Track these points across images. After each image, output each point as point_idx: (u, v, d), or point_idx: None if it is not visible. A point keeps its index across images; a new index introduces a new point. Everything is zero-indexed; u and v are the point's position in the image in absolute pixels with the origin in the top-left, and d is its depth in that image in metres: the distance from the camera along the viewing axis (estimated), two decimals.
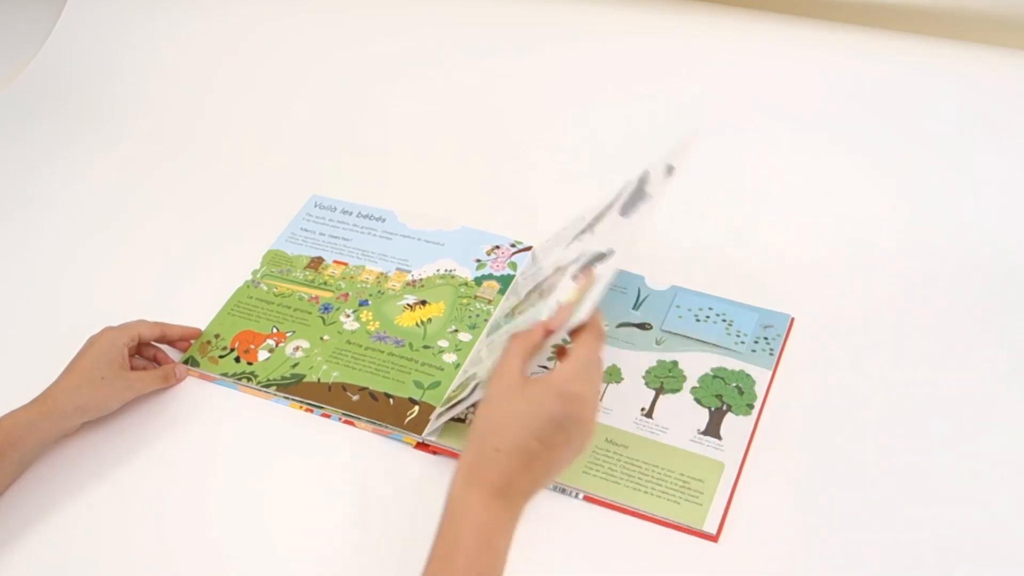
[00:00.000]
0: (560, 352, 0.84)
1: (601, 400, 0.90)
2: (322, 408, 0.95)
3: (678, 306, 0.98)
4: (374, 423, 0.92)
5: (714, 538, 0.82)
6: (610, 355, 0.95)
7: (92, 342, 0.93)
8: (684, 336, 0.96)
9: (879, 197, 1.06)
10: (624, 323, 0.98)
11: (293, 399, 0.96)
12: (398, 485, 0.89)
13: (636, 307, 0.99)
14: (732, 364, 0.93)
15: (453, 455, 0.89)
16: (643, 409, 0.90)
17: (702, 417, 0.89)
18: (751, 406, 0.90)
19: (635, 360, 0.94)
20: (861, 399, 0.90)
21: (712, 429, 0.88)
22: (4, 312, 1.09)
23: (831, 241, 1.03)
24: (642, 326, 0.97)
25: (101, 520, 0.88)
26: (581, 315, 0.75)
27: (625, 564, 0.82)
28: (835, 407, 0.90)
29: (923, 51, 1.12)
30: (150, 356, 1.00)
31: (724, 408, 0.90)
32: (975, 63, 1.10)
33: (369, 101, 1.27)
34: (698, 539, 0.82)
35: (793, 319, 0.96)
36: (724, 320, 0.97)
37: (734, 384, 0.91)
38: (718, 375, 0.92)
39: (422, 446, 0.91)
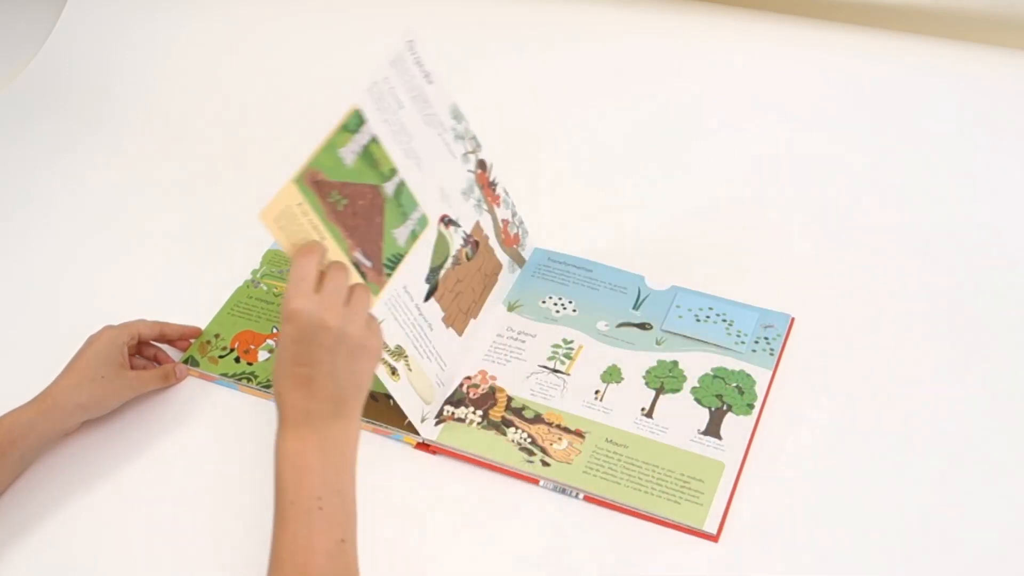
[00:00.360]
0: None
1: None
2: None
3: (678, 306, 0.98)
4: (374, 423, 0.93)
5: (714, 538, 0.82)
6: (610, 355, 0.95)
7: (92, 341, 0.93)
8: (684, 336, 0.96)
9: (879, 197, 1.06)
10: (624, 323, 0.98)
11: None
12: (398, 485, 0.89)
13: (636, 307, 0.99)
14: (732, 364, 0.93)
15: (453, 455, 0.90)
16: (643, 409, 0.91)
17: (702, 417, 0.89)
18: (751, 406, 0.90)
19: (635, 360, 0.94)
20: (861, 399, 0.90)
21: (712, 429, 0.88)
22: (4, 311, 1.09)
23: (831, 241, 1.03)
24: (642, 326, 0.97)
25: (101, 519, 0.88)
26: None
27: (625, 564, 0.82)
28: (835, 407, 0.90)
29: (923, 51, 1.12)
30: (150, 356, 1.00)
31: (724, 408, 0.90)
32: (975, 63, 1.10)
33: None
34: (698, 539, 0.82)
35: (793, 319, 0.96)
36: (724, 320, 0.97)
37: (734, 384, 0.91)
38: (718, 375, 0.92)
39: (422, 446, 0.91)
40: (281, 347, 0.74)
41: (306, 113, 1.28)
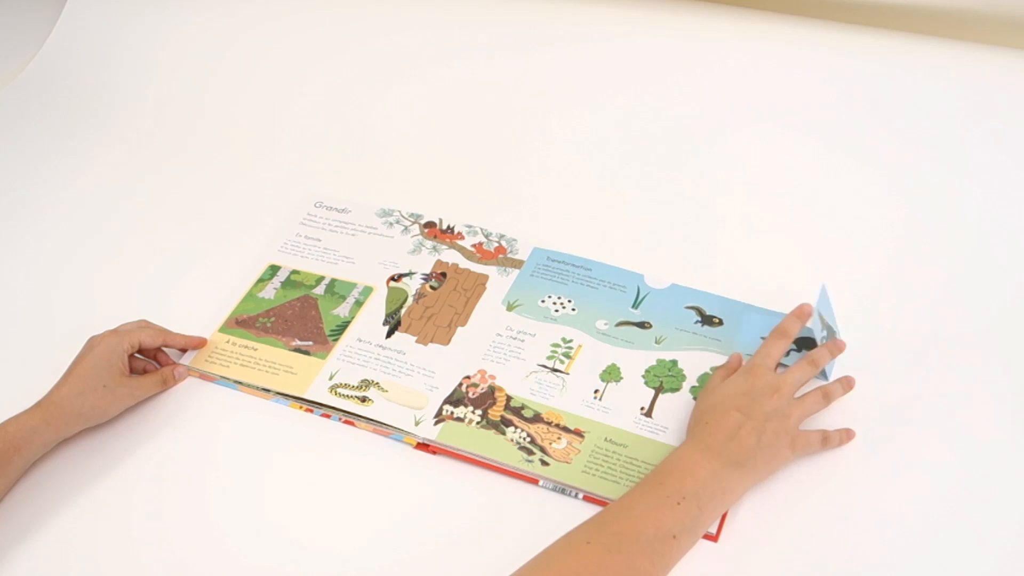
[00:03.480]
0: None
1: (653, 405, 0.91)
2: (322, 408, 0.95)
3: (677, 304, 0.98)
4: (374, 423, 0.93)
5: (714, 538, 0.82)
6: (610, 354, 0.95)
7: (93, 346, 0.93)
8: (684, 334, 0.96)
9: (878, 197, 1.06)
10: (623, 322, 0.98)
11: (293, 399, 0.96)
12: (398, 485, 0.89)
13: (635, 306, 0.99)
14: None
15: (453, 455, 0.90)
16: (642, 408, 0.90)
17: None
18: None
19: (634, 359, 0.94)
20: (860, 398, 0.90)
21: None
22: (2, 312, 1.09)
23: (831, 241, 1.03)
24: (641, 325, 0.97)
25: (101, 520, 0.88)
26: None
27: None
28: (834, 406, 0.90)
29: (923, 51, 1.12)
30: (151, 356, 1.00)
31: None
32: (975, 63, 1.10)
33: (369, 101, 1.27)
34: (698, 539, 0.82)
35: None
36: (724, 319, 0.97)
37: None
38: None
39: (422, 446, 0.91)
40: (730, 386, 0.86)
41: (305, 113, 1.28)
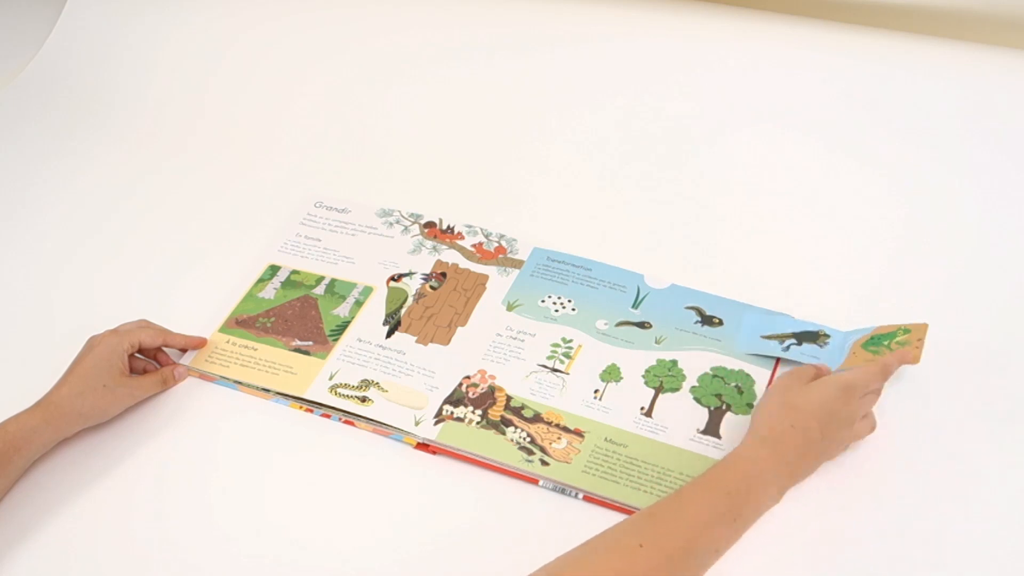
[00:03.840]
0: None
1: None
2: (322, 408, 0.95)
3: (677, 304, 0.98)
4: (374, 423, 0.93)
5: None
6: (610, 354, 0.95)
7: (93, 346, 0.93)
8: (683, 334, 0.96)
9: (878, 197, 1.06)
10: (623, 322, 0.98)
11: (293, 399, 0.96)
12: (398, 485, 0.89)
13: (635, 306, 0.99)
14: (731, 364, 0.93)
15: (453, 455, 0.90)
16: (642, 408, 0.90)
17: (701, 416, 0.89)
18: (751, 405, 0.89)
19: (634, 359, 0.94)
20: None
21: (712, 428, 0.88)
22: (2, 312, 1.09)
23: (830, 240, 1.03)
24: (641, 325, 0.97)
25: (101, 520, 0.88)
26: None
27: None
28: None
29: (923, 51, 1.12)
30: (151, 355, 1.00)
31: (723, 408, 0.90)
32: (975, 63, 1.10)
33: (369, 101, 1.27)
34: None
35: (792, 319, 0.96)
36: (724, 320, 0.97)
37: (733, 384, 0.91)
38: (717, 374, 0.92)
39: (422, 446, 0.91)
40: (827, 393, 0.82)
41: (306, 113, 1.28)
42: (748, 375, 0.92)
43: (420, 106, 1.25)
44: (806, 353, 0.91)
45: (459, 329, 0.99)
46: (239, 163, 1.23)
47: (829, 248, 1.03)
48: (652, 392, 0.92)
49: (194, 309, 1.05)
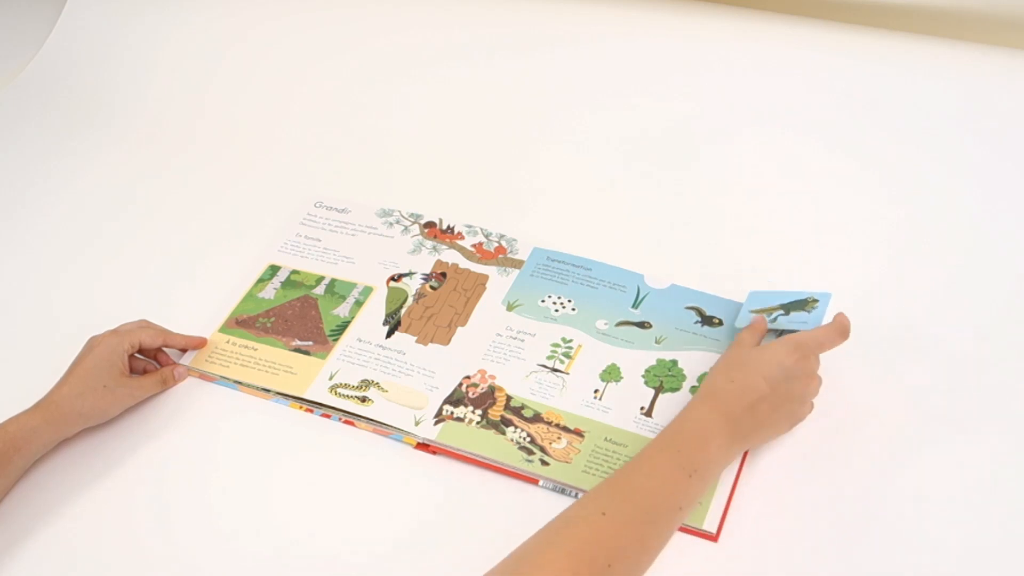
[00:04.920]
0: None
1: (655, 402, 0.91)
2: (322, 408, 0.95)
3: (677, 304, 0.98)
4: (374, 423, 0.93)
5: (714, 538, 0.82)
6: (610, 354, 0.95)
7: (93, 346, 0.93)
8: (683, 334, 0.96)
9: (878, 196, 1.06)
10: (623, 321, 0.98)
11: (293, 399, 0.96)
12: (398, 485, 0.89)
13: (635, 305, 0.99)
14: None
15: (453, 455, 0.90)
16: (642, 408, 0.90)
17: None
18: None
19: (634, 358, 0.94)
20: (860, 398, 0.90)
21: None
22: (2, 312, 1.09)
23: (830, 240, 1.03)
24: (641, 324, 0.97)
25: (101, 521, 0.88)
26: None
27: None
28: (834, 408, 0.90)
29: (923, 51, 1.12)
30: (151, 356, 1.00)
31: None
32: (975, 63, 1.10)
33: (369, 101, 1.27)
34: (698, 539, 0.82)
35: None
36: (723, 320, 0.97)
37: None
38: None
39: (422, 446, 0.91)
40: (773, 352, 0.84)
41: (306, 113, 1.28)
42: None
43: (420, 106, 1.25)
44: (794, 320, 0.91)
45: (459, 329, 0.99)
46: (239, 163, 1.23)
47: (829, 248, 1.03)
48: (652, 392, 0.92)
49: (194, 309, 1.05)
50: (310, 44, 1.33)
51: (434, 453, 0.90)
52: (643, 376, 0.93)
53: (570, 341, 0.97)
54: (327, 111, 1.27)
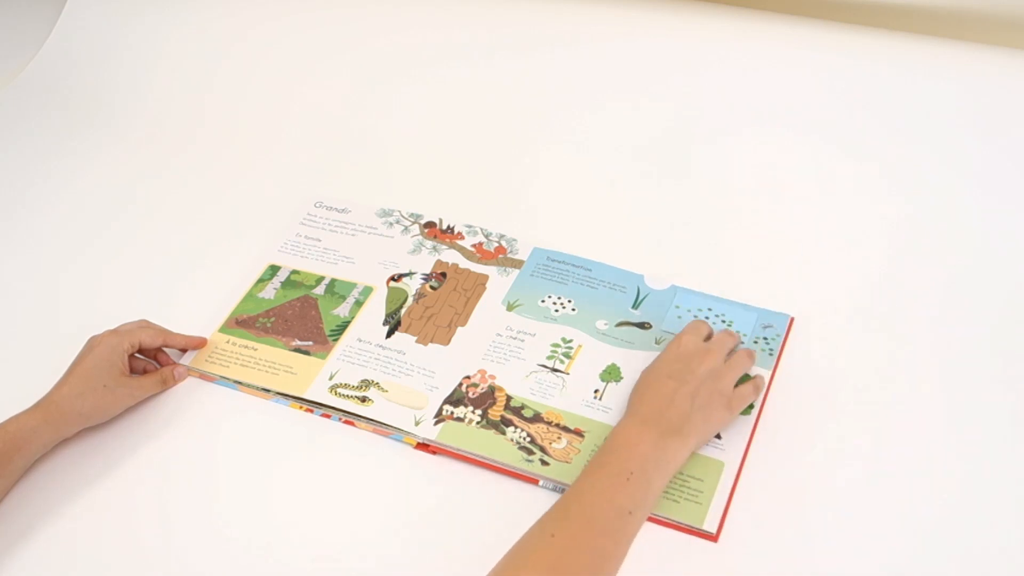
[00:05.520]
0: None
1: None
2: (322, 408, 0.95)
3: (677, 306, 0.98)
4: (374, 423, 0.93)
5: (714, 538, 0.82)
6: (610, 354, 0.95)
7: (93, 346, 0.93)
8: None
9: (879, 197, 1.06)
10: (623, 322, 0.98)
11: (293, 399, 0.96)
12: (398, 485, 0.89)
13: (635, 306, 0.99)
14: None
15: (453, 455, 0.90)
16: None
17: None
18: (751, 406, 0.89)
19: (634, 359, 0.94)
20: (860, 399, 0.90)
21: None
22: (3, 312, 1.09)
23: (831, 241, 1.03)
24: (642, 325, 0.97)
25: (102, 520, 0.88)
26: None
27: (625, 563, 0.81)
28: (834, 407, 0.90)
29: (923, 51, 1.12)
30: (151, 356, 1.00)
31: None
32: (975, 63, 1.10)
33: (369, 101, 1.27)
34: (698, 539, 0.82)
35: (792, 319, 0.96)
36: (723, 320, 0.97)
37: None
38: None
39: (422, 446, 0.91)
40: (661, 359, 0.89)
41: (306, 113, 1.28)
42: (748, 375, 0.92)
43: (420, 106, 1.25)
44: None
45: (459, 329, 0.99)
46: (239, 163, 1.23)
47: (829, 248, 1.03)
48: None
49: (194, 309, 1.05)
50: (310, 44, 1.33)
51: (434, 453, 0.90)
52: None
53: (570, 341, 0.97)
54: (327, 111, 1.27)
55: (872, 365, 0.92)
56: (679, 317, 0.97)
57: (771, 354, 0.93)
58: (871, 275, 1.00)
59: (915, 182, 1.06)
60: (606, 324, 0.98)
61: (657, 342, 0.95)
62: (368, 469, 0.90)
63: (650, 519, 0.83)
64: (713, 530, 0.82)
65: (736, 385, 0.88)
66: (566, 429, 0.90)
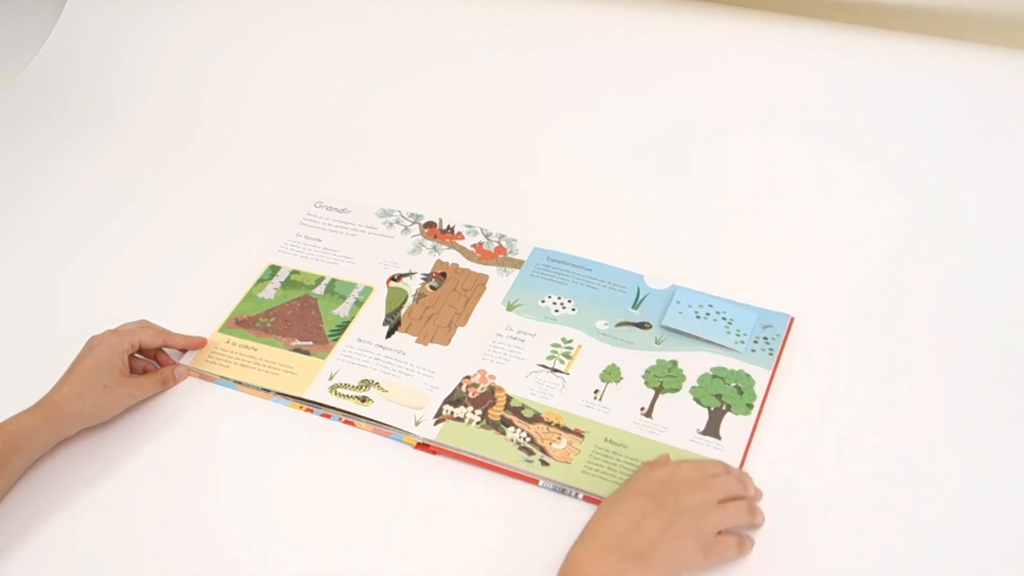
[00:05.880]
0: None
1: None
2: (322, 408, 0.95)
3: (678, 302, 0.98)
4: (374, 423, 0.93)
5: None
6: (610, 354, 0.95)
7: (93, 346, 0.93)
8: (683, 334, 0.96)
9: (879, 197, 1.06)
10: (623, 322, 0.98)
11: (293, 399, 0.96)
12: (398, 485, 0.89)
13: (635, 306, 0.99)
14: (731, 364, 0.93)
15: (453, 455, 0.90)
16: (642, 408, 0.90)
17: (702, 417, 0.89)
18: (750, 406, 0.89)
19: (634, 359, 0.94)
20: (860, 399, 0.90)
21: (711, 429, 0.88)
22: (3, 312, 1.09)
23: (831, 241, 1.03)
24: (641, 325, 0.97)
25: (101, 521, 0.88)
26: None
27: None
28: (834, 408, 0.90)
29: (923, 51, 1.12)
30: (151, 356, 1.00)
31: (724, 408, 0.90)
32: (975, 63, 1.10)
33: (369, 101, 1.27)
34: None
35: (792, 319, 0.96)
36: (724, 318, 0.97)
37: (733, 384, 0.91)
38: (717, 375, 0.92)
39: (422, 446, 0.91)
40: (651, 473, 0.80)
41: (306, 113, 1.28)
42: (748, 375, 0.92)
43: (420, 106, 1.25)
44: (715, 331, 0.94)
45: (459, 329, 0.99)
46: (239, 163, 1.23)
47: (829, 248, 1.03)
48: (652, 393, 0.92)
49: (194, 309, 1.05)
50: (310, 44, 1.33)
51: (434, 453, 0.90)
52: (643, 377, 0.93)
53: (570, 341, 0.97)
54: (327, 111, 1.27)
55: (872, 365, 0.92)
56: (680, 313, 0.97)
57: (771, 354, 0.93)
58: (871, 275, 1.00)
59: (915, 182, 1.06)
60: (606, 324, 0.98)
61: (657, 342, 0.96)
62: (368, 469, 0.90)
63: None
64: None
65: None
66: (566, 429, 0.90)
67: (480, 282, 1.03)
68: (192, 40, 1.37)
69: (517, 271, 1.04)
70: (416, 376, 0.95)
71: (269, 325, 1.02)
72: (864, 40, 1.14)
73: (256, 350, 1.00)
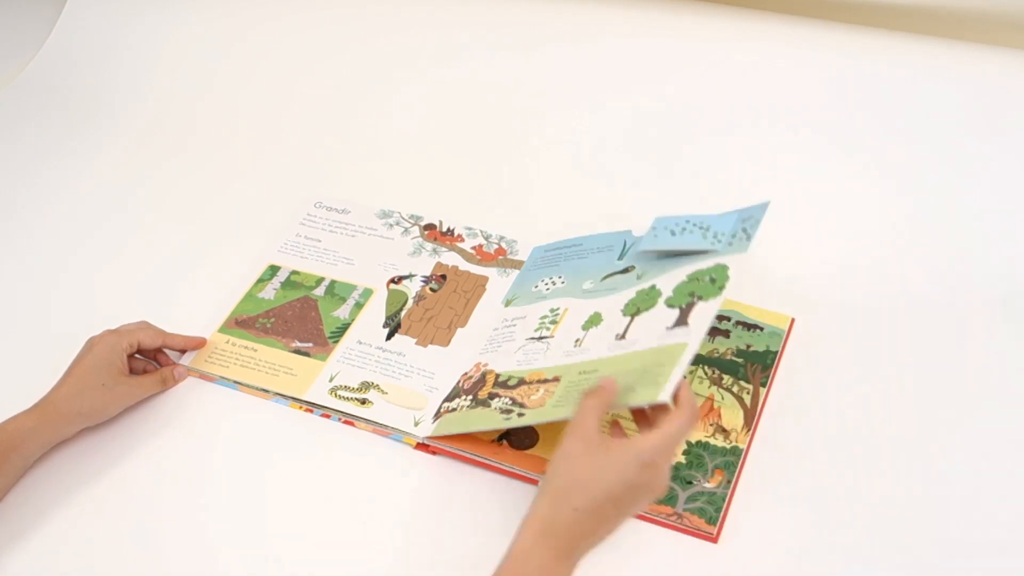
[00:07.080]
0: (639, 416, 0.78)
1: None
2: (322, 408, 0.95)
3: (653, 228, 0.93)
4: (374, 423, 0.92)
5: (714, 538, 0.82)
6: (593, 305, 0.92)
7: (92, 346, 0.93)
8: (660, 253, 0.91)
9: (879, 197, 1.06)
10: (608, 274, 0.95)
11: (293, 399, 0.96)
12: (398, 485, 0.89)
13: (621, 256, 0.97)
14: (707, 264, 0.85)
15: (453, 455, 0.89)
16: (617, 335, 0.86)
17: (672, 316, 0.82)
18: (721, 288, 0.81)
19: (616, 300, 0.90)
20: (861, 400, 0.90)
21: (681, 321, 0.81)
22: (2, 312, 1.09)
23: (832, 242, 1.03)
24: (625, 271, 0.94)
25: (101, 520, 0.88)
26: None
27: (624, 564, 0.82)
28: (835, 408, 0.90)
29: (923, 51, 1.12)
30: (151, 356, 1.00)
31: (695, 301, 0.82)
32: (975, 63, 1.10)
33: (369, 101, 1.27)
34: (698, 540, 0.82)
35: (769, 202, 0.87)
36: (700, 228, 0.89)
37: (707, 277, 0.84)
38: (692, 278, 0.85)
39: (422, 446, 0.91)
40: (612, 478, 0.71)
41: (306, 113, 1.28)
42: (723, 266, 0.84)
43: (420, 106, 1.25)
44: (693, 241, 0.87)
45: (459, 331, 0.99)
46: (239, 163, 1.23)
47: (829, 248, 1.03)
48: (628, 319, 0.87)
49: (194, 309, 1.05)
50: (310, 44, 1.33)
51: (434, 453, 0.90)
52: (622, 310, 0.88)
53: (556, 310, 0.95)
54: (327, 111, 1.27)
55: (872, 365, 0.92)
56: (655, 236, 0.91)
57: (748, 239, 0.85)
58: (872, 275, 1.00)
59: (915, 182, 1.06)
60: (592, 283, 0.96)
61: (639, 278, 0.91)
62: (368, 469, 0.90)
63: (650, 519, 0.83)
64: (713, 531, 0.82)
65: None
66: (544, 381, 0.87)
67: (480, 283, 1.03)
68: (192, 40, 1.37)
69: (517, 272, 1.04)
70: (416, 377, 0.95)
71: (269, 325, 1.02)
72: (864, 40, 1.14)
73: (256, 351, 1.00)
